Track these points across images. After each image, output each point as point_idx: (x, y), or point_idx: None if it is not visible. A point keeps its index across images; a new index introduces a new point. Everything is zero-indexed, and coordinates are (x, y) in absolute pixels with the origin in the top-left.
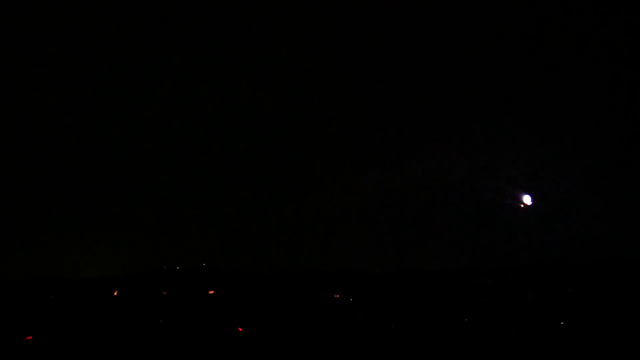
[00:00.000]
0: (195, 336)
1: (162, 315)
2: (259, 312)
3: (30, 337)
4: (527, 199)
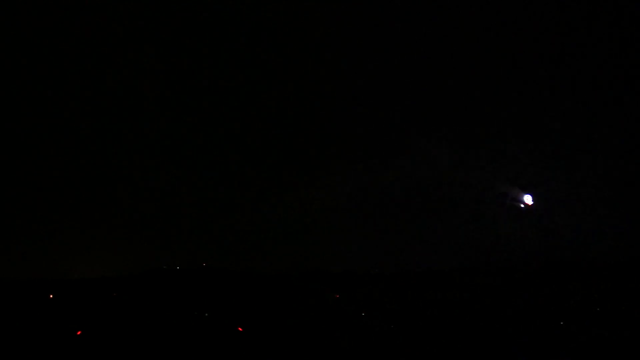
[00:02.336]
0: (195, 336)
1: (162, 315)
2: (259, 312)
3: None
4: (527, 199)
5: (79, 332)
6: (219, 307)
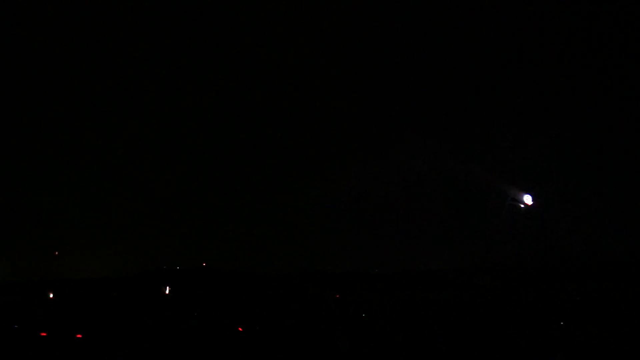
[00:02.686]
0: (195, 336)
1: (162, 316)
2: (259, 312)
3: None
4: (527, 199)
5: (79, 335)
6: (219, 307)
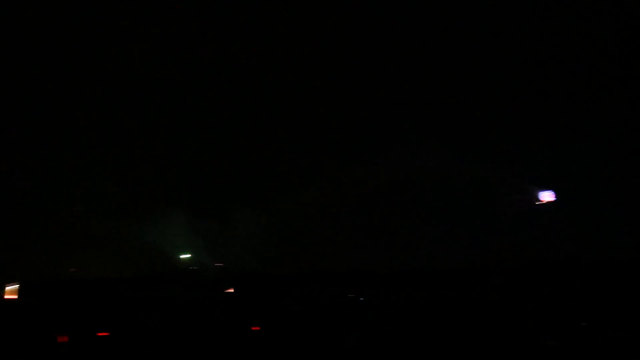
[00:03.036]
0: (196, 336)
1: (163, 316)
2: (259, 312)
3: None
4: (546, 196)
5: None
6: (220, 307)
